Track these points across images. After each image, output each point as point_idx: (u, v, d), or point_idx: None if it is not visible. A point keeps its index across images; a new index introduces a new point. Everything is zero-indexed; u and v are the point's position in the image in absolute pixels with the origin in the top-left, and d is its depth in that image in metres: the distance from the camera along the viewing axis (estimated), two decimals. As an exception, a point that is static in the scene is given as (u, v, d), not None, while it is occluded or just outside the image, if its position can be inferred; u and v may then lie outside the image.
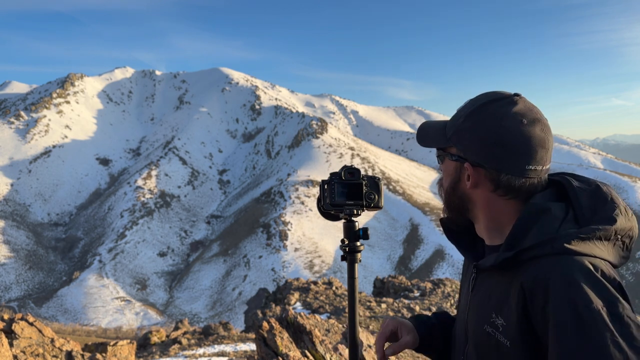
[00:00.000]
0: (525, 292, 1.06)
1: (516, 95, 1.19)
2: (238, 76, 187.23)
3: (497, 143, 1.15)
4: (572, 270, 1.02)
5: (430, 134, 1.34)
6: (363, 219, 1.56)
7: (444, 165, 1.30)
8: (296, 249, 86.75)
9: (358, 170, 1.59)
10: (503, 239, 1.21)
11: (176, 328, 14.31)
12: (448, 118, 1.30)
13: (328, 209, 1.57)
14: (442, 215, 1.39)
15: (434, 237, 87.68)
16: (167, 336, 11.27)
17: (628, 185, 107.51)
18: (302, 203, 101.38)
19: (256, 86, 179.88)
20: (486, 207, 1.22)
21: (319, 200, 1.59)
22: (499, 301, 1.13)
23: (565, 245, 1.04)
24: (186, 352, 8.89)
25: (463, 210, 1.28)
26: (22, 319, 6.62)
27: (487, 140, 1.16)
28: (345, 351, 5.05)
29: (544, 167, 1.18)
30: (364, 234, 1.59)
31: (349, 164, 1.63)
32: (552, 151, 1.20)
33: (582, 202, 1.13)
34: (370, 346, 5.53)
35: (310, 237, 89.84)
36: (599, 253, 1.06)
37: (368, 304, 12.63)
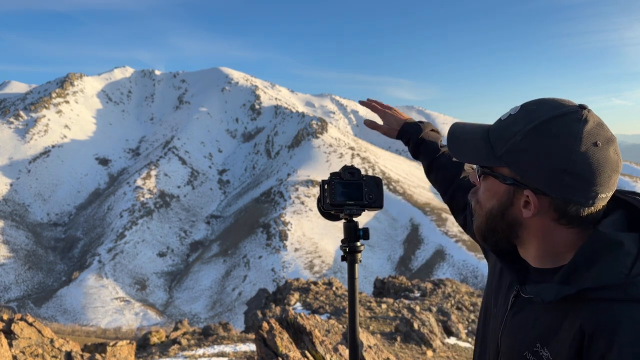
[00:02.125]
0: (585, 334, 0.94)
1: (582, 107, 1.02)
2: (238, 76, 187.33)
3: (569, 171, 0.97)
4: None
5: (469, 146, 1.12)
6: (363, 219, 1.61)
7: (487, 184, 1.10)
8: (296, 249, 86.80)
9: (358, 170, 1.59)
10: (555, 263, 1.07)
11: (176, 328, 14.29)
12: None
13: (328, 209, 1.56)
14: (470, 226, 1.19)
15: (435, 237, 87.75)
16: (167, 337, 11.25)
17: (629, 185, 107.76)
18: (302, 203, 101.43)
19: (256, 86, 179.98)
20: (543, 236, 1.06)
21: (319, 201, 1.59)
22: (547, 332, 1.02)
23: None
24: (186, 353, 8.87)
25: (510, 237, 1.11)
26: (21, 319, 6.60)
27: (556, 167, 0.98)
28: (345, 352, 5.03)
29: (614, 191, 1.04)
30: (364, 234, 1.58)
31: (349, 164, 1.64)
32: None
33: None
34: (370, 347, 5.51)
35: (310, 237, 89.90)
36: None
37: (368, 304, 12.62)
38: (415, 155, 1.79)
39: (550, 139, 0.99)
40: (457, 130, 1.18)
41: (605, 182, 0.99)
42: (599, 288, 0.95)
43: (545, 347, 1.01)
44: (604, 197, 1.01)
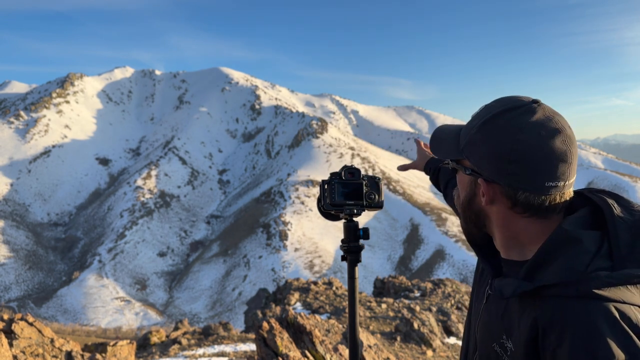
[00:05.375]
0: (538, 328, 0.98)
1: (535, 102, 1.07)
2: (238, 76, 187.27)
3: (512, 159, 1.02)
4: (596, 319, 0.91)
5: (444, 143, 1.23)
6: (363, 219, 1.63)
7: (458, 177, 1.21)
8: (296, 249, 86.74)
9: (358, 170, 1.61)
10: (522, 255, 1.10)
11: (176, 328, 14.30)
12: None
13: (328, 209, 1.57)
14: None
15: (435, 237, 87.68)
16: (167, 336, 11.26)
17: (629, 185, 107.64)
18: (302, 203, 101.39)
19: (256, 86, 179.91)
20: (503, 225, 1.11)
21: (319, 200, 1.59)
22: (511, 325, 1.06)
23: (594, 290, 0.93)
24: (186, 353, 8.88)
25: (480, 225, 1.18)
26: (21, 319, 6.61)
27: (501, 156, 1.04)
28: (345, 351, 5.04)
29: (567, 182, 1.05)
30: (364, 234, 1.59)
31: (349, 164, 1.64)
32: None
33: (620, 235, 0.99)
34: (370, 346, 5.51)
35: (310, 237, 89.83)
36: (629, 298, 0.94)
37: (368, 304, 12.63)
38: (436, 182, 2.05)
39: (498, 130, 1.05)
40: (439, 131, 1.29)
41: (552, 172, 1.01)
42: (554, 285, 0.97)
43: (510, 338, 1.05)
44: (553, 186, 1.03)
